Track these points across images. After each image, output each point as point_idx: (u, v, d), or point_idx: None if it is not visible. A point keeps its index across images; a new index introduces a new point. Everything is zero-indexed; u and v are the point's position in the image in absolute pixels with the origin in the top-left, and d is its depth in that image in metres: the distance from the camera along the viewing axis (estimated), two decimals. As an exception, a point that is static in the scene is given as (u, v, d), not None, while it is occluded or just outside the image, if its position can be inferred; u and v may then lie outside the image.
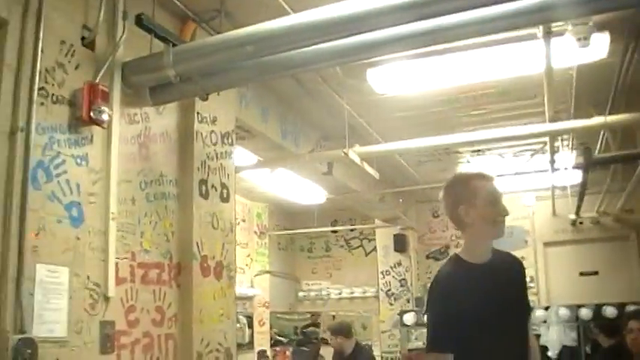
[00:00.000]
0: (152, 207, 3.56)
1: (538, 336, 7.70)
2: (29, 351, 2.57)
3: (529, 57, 4.30)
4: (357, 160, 5.17)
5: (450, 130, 6.28)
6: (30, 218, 2.68)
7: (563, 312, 6.31)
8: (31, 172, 2.71)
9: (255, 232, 9.89)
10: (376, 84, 4.78)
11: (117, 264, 3.22)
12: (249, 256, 9.64)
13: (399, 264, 9.55)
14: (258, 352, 9.39)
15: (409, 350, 8.08)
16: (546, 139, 5.95)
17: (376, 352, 9.67)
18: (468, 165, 7.99)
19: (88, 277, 3.03)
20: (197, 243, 3.82)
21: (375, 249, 10.18)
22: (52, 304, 2.79)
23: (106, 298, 3.14)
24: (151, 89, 3.53)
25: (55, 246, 2.84)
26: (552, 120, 4.96)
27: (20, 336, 2.55)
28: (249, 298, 9.50)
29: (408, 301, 9.41)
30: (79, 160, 3.03)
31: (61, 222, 2.88)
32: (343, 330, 7.65)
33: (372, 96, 5.09)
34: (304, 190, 7.92)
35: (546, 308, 6.61)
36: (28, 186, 2.69)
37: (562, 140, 6.27)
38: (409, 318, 6.81)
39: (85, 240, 3.02)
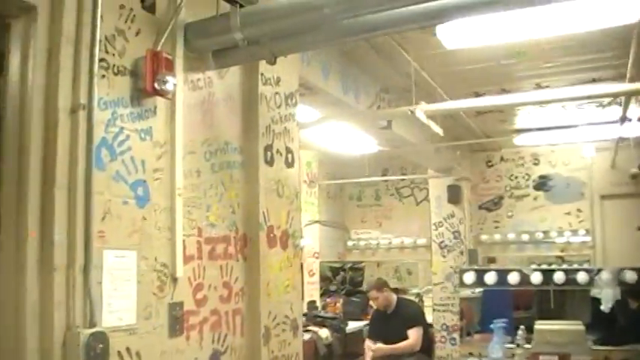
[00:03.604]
0: (217, 178, 3.36)
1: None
2: (101, 345, 2.41)
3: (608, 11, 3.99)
4: (424, 118, 4.90)
5: (516, 82, 5.97)
6: (95, 202, 2.49)
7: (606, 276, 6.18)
8: (94, 152, 2.51)
9: (305, 182, 9.70)
10: (445, 38, 4.47)
11: (184, 241, 3.04)
12: (299, 206, 9.47)
13: (452, 215, 9.30)
14: (308, 303, 9.31)
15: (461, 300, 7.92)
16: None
17: (427, 303, 9.56)
18: (528, 116, 7.67)
19: (156, 259, 2.85)
20: (263, 212, 3.61)
21: (426, 198, 9.96)
22: (120, 292, 2.63)
23: (174, 279, 2.96)
24: (214, 52, 3.28)
25: (122, 229, 2.66)
26: (632, 80, 4.62)
27: (91, 330, 2.38)
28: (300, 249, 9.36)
29: (462, 254, 9.21)
30: (142, 135, 2.81)
31: (126, 203, 2.69)
32: (385, 284, 7.51)
33: (439, 50, 4.79)
34: (356, 141, 7.67)
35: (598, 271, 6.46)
36: (92, 167, 2.49)
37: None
38: (470, 277, 6.61)
39: (151, 220, 2.83)
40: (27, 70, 2.45)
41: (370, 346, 7.28)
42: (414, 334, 7.28)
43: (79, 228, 2.44)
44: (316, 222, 9.84)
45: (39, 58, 2.46)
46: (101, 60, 2.60)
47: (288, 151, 3.89)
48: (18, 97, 2.46)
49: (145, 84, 2.76)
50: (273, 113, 3.77)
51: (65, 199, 2.43)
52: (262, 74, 3.67)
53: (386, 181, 10.79)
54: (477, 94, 5.79)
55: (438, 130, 5.37)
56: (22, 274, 2.35)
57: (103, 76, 2.62)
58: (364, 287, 9.87)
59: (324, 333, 8.27)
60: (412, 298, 9.25)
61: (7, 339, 2.36)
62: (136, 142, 2.77)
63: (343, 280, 10.71)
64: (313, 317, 8.74)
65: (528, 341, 6.18)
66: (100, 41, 2.59)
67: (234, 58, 3.30)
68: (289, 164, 3.89)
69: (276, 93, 3.81)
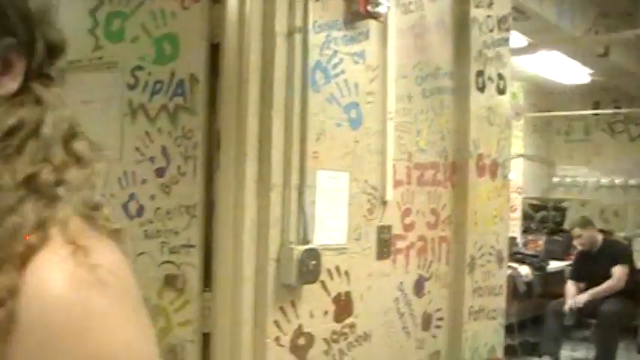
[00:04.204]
0: (428, 103, 3.31)
1: None
2: (313, 262, 2.49)
3: None
4: (648, 42, 4.52)
5: None
6: (310, 123, 2.54)
7: None
8: (310, 74, 2.55)
9: (509, 113, 9.34)
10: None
11: (394, 166, 3.04)
12: (502, 139, 9.20)
13: (672, 153, 8.62)
14: (509, 238, 9.08)
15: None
16: None
17: (636, 248, 8.98)
18: None
19: (366, 181, 2.88)
20: (473, 140, 3.53)
21: (640, 135, 9.27)
22: (332, 212, 2.68)
23: (383, 202, 2.99)
24: (426, -27, 3.20)
25: (335, 150, 2.70)
26: None
27: (305, 247, 2.46)
28: (504, 183, 9.14)
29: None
30: (356, 58, 2.81)
31: (340, 125, 2.72)
32: (590, 222, 7.15)
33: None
34: (567, 70, 7.26)
35: None
36: (308, 89, 2.53)
37: None
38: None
39: (363, 143, 2.85)
40: (245, -6, 2.51)
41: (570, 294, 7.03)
42: (618, 272, 6.89)
43: (294, 148, 2.50)
44: (520, 156, 9.52)
45: (256, -17, 2.51)
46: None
47: (500, 77, 3.75)
48: (237, 21, 2.53)
49: (359, 7, 2.74)
50: (485, 37, 3.63)
51: (282, 120, 2.50)
52: (475, -4, 3.54)
53: (596, 115, 10.13)
54: None
55: (664, 56, 4.94)
56: (241, 191, 2.46)
57: (318, -1, 2.63)
58: (566, 226, 9.46)
59: (524, 270, 8.06)
60: (619, 241, 8.75)
61: (225, 253, 2.50)
62: (349, 65, 2.77)
63: (544, 218, 10.33)
64: (513, 254, 8.53)
65: None
66: (314, -36, 2.59)
67: (446, -21, 3.20)
68: (501, 91, 3.75)
69: (489, 16, 3.65)
